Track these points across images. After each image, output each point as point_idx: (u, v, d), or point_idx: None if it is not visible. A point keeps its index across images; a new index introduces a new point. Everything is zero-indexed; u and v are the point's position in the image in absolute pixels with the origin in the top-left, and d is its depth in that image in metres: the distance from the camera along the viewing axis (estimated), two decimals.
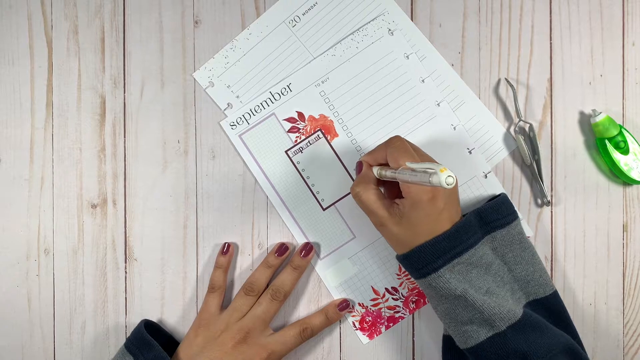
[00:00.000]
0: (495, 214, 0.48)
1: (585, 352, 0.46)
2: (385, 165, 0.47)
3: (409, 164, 0.41)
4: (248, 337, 0.49)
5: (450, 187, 0.36)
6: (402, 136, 0.48)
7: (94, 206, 0.54)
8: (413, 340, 0.54)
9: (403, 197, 0.45)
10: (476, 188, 0.53)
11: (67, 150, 0.55)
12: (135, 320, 0.54)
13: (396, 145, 0.45)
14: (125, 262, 0.55)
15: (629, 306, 0.53)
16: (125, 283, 0.54)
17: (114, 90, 0.55)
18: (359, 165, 0.49)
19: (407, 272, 0.53)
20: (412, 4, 0.54)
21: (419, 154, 0.46)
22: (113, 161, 0.55)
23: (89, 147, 0.55)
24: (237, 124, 0.54)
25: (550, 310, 0.48)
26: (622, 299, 0.53)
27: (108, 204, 0.54)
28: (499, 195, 0.51)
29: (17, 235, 0.55)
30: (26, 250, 0.55)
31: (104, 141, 0.55)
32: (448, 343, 0.50)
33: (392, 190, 0.49)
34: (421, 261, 0.45)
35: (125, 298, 0.54)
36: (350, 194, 0.49)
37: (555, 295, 0.48)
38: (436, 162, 0.44)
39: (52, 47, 0.55)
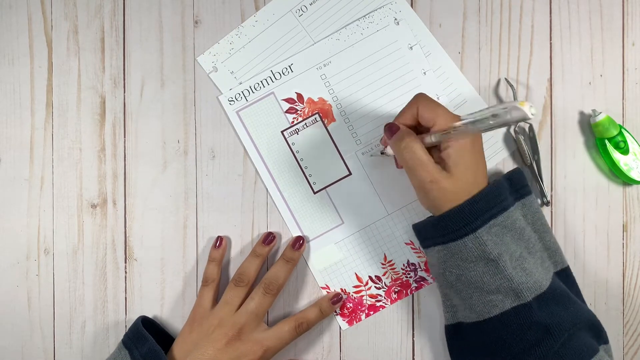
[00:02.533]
0: (523, 180, 0.48)
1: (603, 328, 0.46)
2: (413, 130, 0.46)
3: (468, 115, 0.40)
4: (242, 333, 0.49)
5: (534, 117, 0.35)
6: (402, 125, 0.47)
7: (94, 206, 0.54)
8: (413, 341, 0.54)
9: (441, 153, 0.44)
10: None
11: (67, 150, 0.55)
12: None
13: (427, 100, 0.45)
14: (125, 262, 0.55)
15: (629, 306, 0.53)
16: (125, 283, 0.54)
17: (114, 90, 0.55)
18: (393, 127, 0.46)
19: (392, 262, 0.53)
20: (412, 4, 0.54)
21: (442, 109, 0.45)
22: (113, 161, 0.55)
23: (89, 147, 0.55)
24: (235, 100, 0.54)
25: (571, 280, 0.49)
26: (622, 299, 0.53)
27: (108, 204, 0.54)
28: (515, 169, 0.50)
29: (17, 235, 0.55)
30: (26, 250, 0.55)
31: (104, 141, 0.55)
32: (452, 332, 0.49)
33: None
34: (458, 222, 0.44)
35: (125, 298, 0.54)
36: (400, 154, 0.45)
37: (569, 267, 0.50)
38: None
39: (52, 47, 0.55)
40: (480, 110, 0.40)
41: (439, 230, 0.45)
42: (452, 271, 0.45)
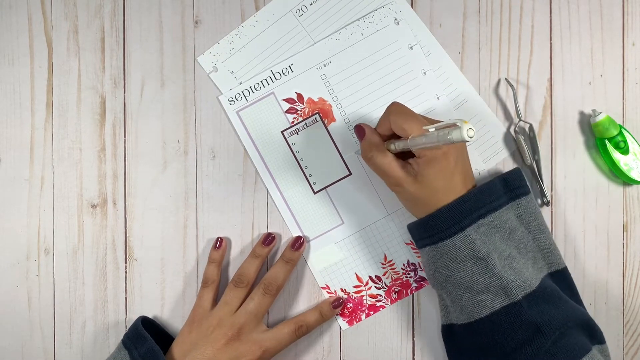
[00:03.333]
0: (520, 180, 0.48)
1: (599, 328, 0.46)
2: (390, 138, 0.47)
3: (424, 128, 0.41)
4: (241, 333, 0.49)
5: (471, 139, 0.36)
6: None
7: (94, 206, 0.55)
8: (413, 340, 0.54)
9: (415, 157, 0.45)
10: None
11: (67, 150, 0.55)
12: None
13: (398, 111, 0.46)
14: (125, 262, 0.55)
15: (629, 306, 0.53)
16: (125, 283, 0.54)
17: (114, 90, 0.55)
18: (360, 130, 0.49)
19: (392, 262, 0.53)
20: (412, 4, 0.54)
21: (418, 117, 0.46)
22: (113, 161, 0.55)
23: (89, 147, 0.55)
24: (235, 100, 0.54)
25: (568, 281, 0.49)
26: (622, 299, 0.53)
27: (108, 204, 0.54)
28: (513, 169, 0.50)
29: (17, 235, 0.55)
30: (26, 250, 0.55)
31: (104, 141, 0.55)
32: (446, 332, 0.49)
33: (399, 155, 0.48)
34: (447, 221, 0.44)
35: (125, 298, 0.55)
36: (364, 160, 0.49)
37: (567, 269, 0.49)
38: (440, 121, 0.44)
39: (52, 47, 0.55)
40: (436, 125, 0.40)
41: (429, 230, 0.46)
42: (442, 272, 0.46)
